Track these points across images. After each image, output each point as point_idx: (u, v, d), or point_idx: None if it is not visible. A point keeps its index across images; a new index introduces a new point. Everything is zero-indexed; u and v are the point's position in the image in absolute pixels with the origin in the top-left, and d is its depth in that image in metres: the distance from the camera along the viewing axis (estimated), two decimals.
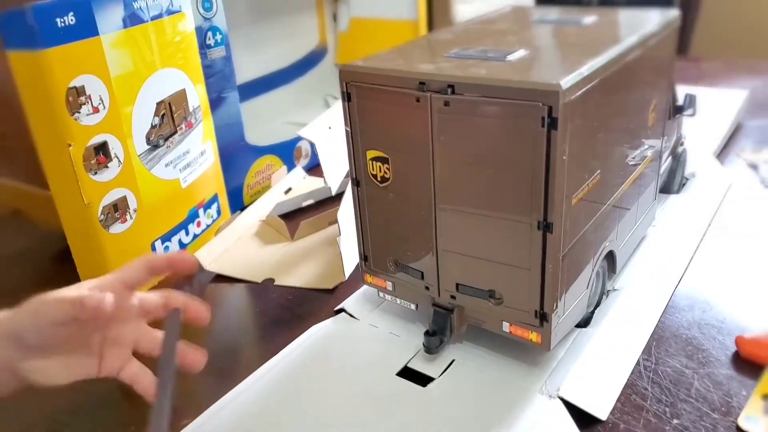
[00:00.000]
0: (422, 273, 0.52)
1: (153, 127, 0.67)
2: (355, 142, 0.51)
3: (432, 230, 0.49)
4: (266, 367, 0.55)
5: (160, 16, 0.67)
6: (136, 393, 0.45)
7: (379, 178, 0.51)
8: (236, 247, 0.77)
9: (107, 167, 0.63)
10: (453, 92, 0.44)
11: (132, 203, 0.66)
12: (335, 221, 0.77)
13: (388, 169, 0.50)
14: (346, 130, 0.51)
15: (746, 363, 0.51)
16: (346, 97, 0.50)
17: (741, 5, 2.00)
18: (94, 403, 0.54)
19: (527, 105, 0.41)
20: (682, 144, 0.77)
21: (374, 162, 0.50)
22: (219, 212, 0.81)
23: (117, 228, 0.65)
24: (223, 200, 0.81)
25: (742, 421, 0.46)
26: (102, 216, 0.63)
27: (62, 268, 0.70)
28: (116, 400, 0.55)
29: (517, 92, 0.41)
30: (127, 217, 0.66)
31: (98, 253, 0.64)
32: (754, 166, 0.85)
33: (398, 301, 0.56)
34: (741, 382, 0.50)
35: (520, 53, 0.48)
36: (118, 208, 0.65)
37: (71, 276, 0.70)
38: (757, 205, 0.76)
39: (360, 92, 0.49)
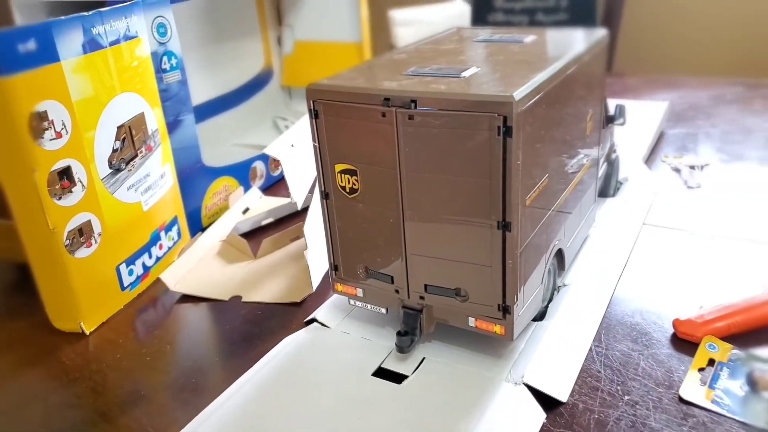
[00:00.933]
0: (392, 277, 0.56)
1: (114, 151, 0.68)
2: (324, 156, 0.54)
3: (400, 236, 0.53)
4: (241, 380, 0.56)
5: (117, 41, 0.68)
6: (118, 416, 0.45)
7: (347, 190, 0.54)
8: (199, 268, 0.78)
9: (71, 192, 0.63)
10: (416, 106, 0.48)
11: (96, 227, 0.66)
12: (297, 237, 0.80)
13: (357, 181, 0.53)
14: (314, 146, 0.54)
15: (683, 342, 0.57)
16: (314, 114, 0.53)
17: (656, 26, 2.16)
18: (75, 428, 0.54)
19: (484, 116, 0.46)
20: (615, 151, 0.84)
21: (343, 174, 0.54)
22: (179, 234, 0.82)
23: (82, 252, 0.65)
24: (183, 222, 0.82)
25: (683, 392, 0.51)
26: (67, 241, 0.63)
27: (13, 300, 0.70)
28: (97, 425, 0.55)
29: (474, 104, 0.46)
30: (92, 241, 0.66)
31: (63, 279, 0.64)
32: (677, 170, 0.94)
33: (369, 306, 0.59)
34: (679, 359, 0.55)
35: (473, 70, 0.52)
36: (83, 233, 0.65)
37: (27, 308, 0.70)
38: (681, 204, 0.83)
39: (327, 109, 0.52)
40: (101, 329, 0.68)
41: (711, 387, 0.51)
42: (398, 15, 1.29)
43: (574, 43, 0.61)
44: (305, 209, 0.72)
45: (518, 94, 0.45)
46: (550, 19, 1.87)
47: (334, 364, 0.57)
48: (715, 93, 1.28)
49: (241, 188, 0.93)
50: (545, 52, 0.58)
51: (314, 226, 0.67)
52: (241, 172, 0.94)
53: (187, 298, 0.73)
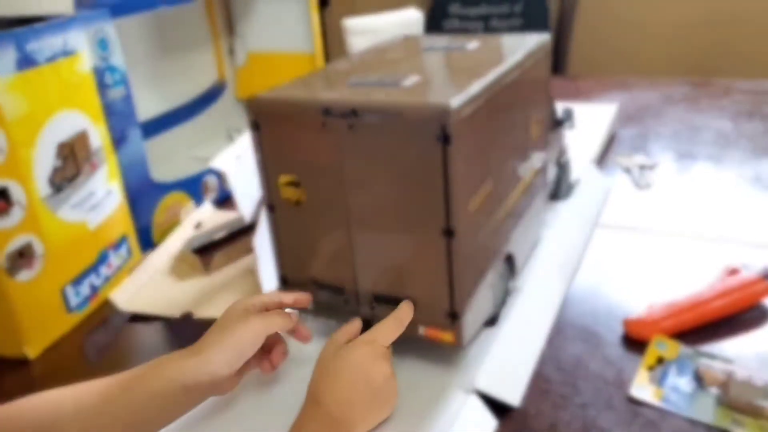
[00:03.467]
0: (342, 289, 0.55)
1: (56, 169, 0.66)
2: (267, 169, 0.53)
3: (348, 247, 0.52)
4: None
5: (54, 58, 0.66)
6: None
7: (293, 202, 0.53)
8: (151, 286, 0.76)
9: (9, 214, 0.61)
10: (356, 116, 0.47)
11: (38, 248, 0.64)
12: (250, 250, 0.78)
13: (302, 193, 0.52)
14: (257, 159, 0.53)
15: (633, 342, 0.58)
16: (255, 127, 0.52)
17: (608, 30, 2.20)
18: None
19: (423, 124, 0.45)
20: (565, 154, 0.85)
21: (287, 186, 0.53)
22: (130, 253, 0.80)
23: (24, 275, 0.63)
24: (133, 240, 0.80)
25: (633, 392, 0.52)
26: (7, 264, 0.61)
27: None
28: None
29: (413, 113, 0.46)
30: (34, 263, 0.64)
31: (4, 302, 0.62)
32: (627, 170, 0.95)
33: (319, 318, 0.59)
34: (629, 358, 0.56)
35: (414, 78, 0.52)
36: (24, 255, 0.63)
37: None
38: (632, 204, 0.85)
39: (268, 121, 0.51)
40: (47, 354, 0.66)
41: (660, 385, 0.52)
42: (351, 24, 1.29)
43: (515, 48, 0.61)
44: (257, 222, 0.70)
45: (456, 101, 0.45)
46: (505, 25, 1.90)
47: (287, 379, 0.56)
48: (664, 93, 1.31)
49: (193, 203, 0.92)
50: (487, 59, 0.58)
51: (264, 239, 0.66)
52: (193, 187, 0.93)
53: (138, 318, 0.71)
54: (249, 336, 0.50)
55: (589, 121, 1.07)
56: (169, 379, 0.48)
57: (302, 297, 0.55)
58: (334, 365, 0.49)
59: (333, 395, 0.48)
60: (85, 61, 0.71)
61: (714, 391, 0.51)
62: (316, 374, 0.50)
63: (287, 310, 0.55)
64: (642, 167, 0.96)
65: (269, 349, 0.54)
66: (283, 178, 0.53)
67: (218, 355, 0.49)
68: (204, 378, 0.48)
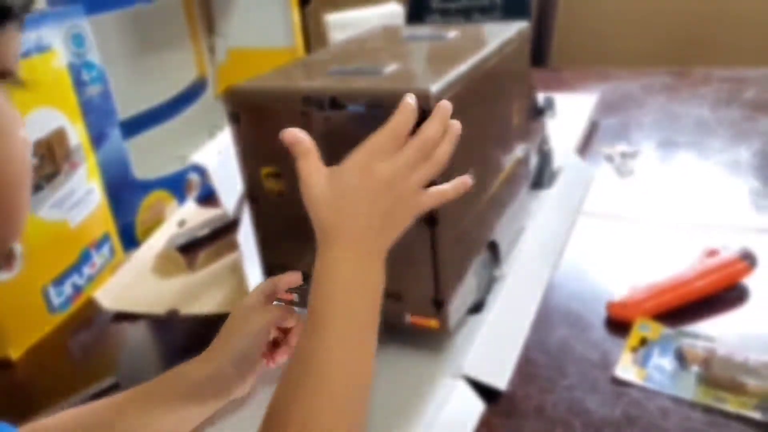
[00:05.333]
0: None
1: (33, 168, 0.65)
2: (248, 161, 0.53)
3: None
4: None
5: (28, 54, 0.65)
6: None
7: (275, 193, 0.53)
8: (135, 284, 0.75)
9: None
10: (336, 104, 0.47)
11: (17, 248, 0.64)
12: (235, 247, 0.78)
13: (284, 184, 0.52)
14: (237, 150, 0.53)
15: (617, 324, 0.58)
16: (234, 119, 0.52)
17: (590, 21, 2.22)
18: None
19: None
20: (547, 143, 0.86)
21: (269, 178, 0.53)
22: (112, 252, 0.79)
23: (2, 276, 0.62)
24: (115, 239, 0.80)
25: (617, 373, 0.52)
26: None
27: None
28: None
29: (393, 99, 0.45)
30: (14, 263, 0.63)
31: None
32: (609, 159, 0.96)
33: (305, 311, 0.58)
34: (614, 341, 0.56)
35: (393, 67, 0.52)
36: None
37: None
38: (614, 191, 0.85)
39: (247, 112, 0.51)
40: (30, 355, 0.65)
41: (644, 366, 0.53)
42: (333, 19, 1.28)
43: (494, 36, 0.61)
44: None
45: (436, 87, 0.45)
46: (486, 18, 1.90)
47: (275, 374, 0.56)
48: (645, 83, 1.32)
49: (176, 201, 0.91)
50: (465, 47, 0.59)
51: (248, 234, 0.66)
52: (176, 185, 0.92)
53: (123, 317, 0.71)
54: (251, 332, 0.50)
55: (570, 111, 1.07)
56: (179, 386, 0.48)
57: (292, 276, 0.54)
58: (332, 191, 0.43)
59: (351, 220, 0.42)
60: (60, 57, 0.70)
61: (696, 369, 0.51)
62: (317, 213, 0.43)
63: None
64: (624, 155, 0.96)
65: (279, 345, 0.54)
66: (265, 170, 0.53)
67: (223, 357, 0.49)
68: (210, 380, 0.48)
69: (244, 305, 0.52)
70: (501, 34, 0.63)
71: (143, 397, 0.48)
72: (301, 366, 0.40)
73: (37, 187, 0.66)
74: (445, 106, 0.44)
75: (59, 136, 0.69)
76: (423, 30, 0.69)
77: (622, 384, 0.51)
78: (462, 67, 0.51)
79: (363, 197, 0.42)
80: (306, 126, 0.49)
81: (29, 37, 0.65)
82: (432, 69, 0.51)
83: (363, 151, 0.43)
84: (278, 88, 0.50)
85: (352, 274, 0.42)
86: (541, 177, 0.84)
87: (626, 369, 0.52)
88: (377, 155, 0.42)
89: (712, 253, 0.62)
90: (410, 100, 0.43)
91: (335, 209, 0.42)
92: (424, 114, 0.45)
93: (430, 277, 0.50)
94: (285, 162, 0.52)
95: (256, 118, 0.51)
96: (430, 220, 0.48)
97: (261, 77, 0.53)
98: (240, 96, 0.51)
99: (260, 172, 0.53)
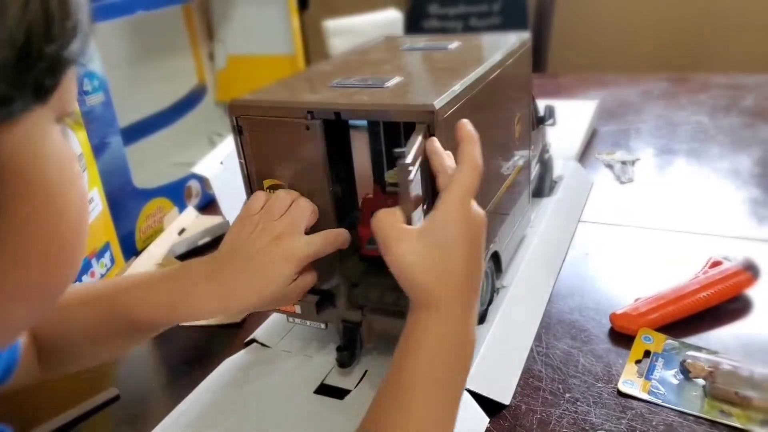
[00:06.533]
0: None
1: None
2: (251, 173, 0.53)
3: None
4: (182, 405, 0.55)
5: None
6: None
7: None
8: None
9: None
10: (340, 119, 0.47)
11: None
12: None
13: None
14: (240, 163, 0.53)
15: (620, 335, 0.58)
16: (238, 131, 0.52)
17: (587, 27, 2.23)
18: None
19: (408, 125, 0.45)
20: (547, 151, 0.86)
21: (272, 190, 0.52)
22: (113, 260, 0.79)
23: None
24: (116, 248, 0.79)
25: (621, 386, 0.52)
26: None
27: None
28: None
29: (398, 114, 0.46)
30: None
31: None
32: (609, 166, 0.96)
33: (308, 323, 0.58)
34: (617, 352, 0.56)
35: (397, 79, 0.52)
36: None
37: None
38: (615, 199, 0.86)
39: (251, 125, 0.51)
40: None
41: (648, 378, 0.53)
42: (332, 25, 1.28)
43: (496, 47, 0.61)
44: None
45: (440, 101, 0.45)
46: (484, 24, 1.91)
47: (276, 384, 0.56)
48: (643, 89, 1.33)
49: (176, 209, 0.91)
50: (468, 59, 0.59)
51: None
52: (176, 193, 0.92)
53: None
54: (278, 278, 0.46)
55: (570, 118, 1.08)
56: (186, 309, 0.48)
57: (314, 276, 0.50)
58: (429, 250, 0.40)
59: (448, 282, 0.40)
60: None
61: (700, 382, 0.51)
62: (411, 280, 0.40)
63: None
64: (623, 163, 0.97)
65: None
66: (268, 182, 0.53)
67: (242, 294, 0.46)
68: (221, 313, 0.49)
69: (268, 237, 0.47)
70: (503, 45, 0.63)
71: (148, 277, 0.50)
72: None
73: None
74: (466, 124, 0.44)
75: None
76: (425, 41, 0.69)
77: (626, 397, 0.51)
78: (465, 80, 0.51)
79: (462, 249, 0.40)
80: (309, 139, 0.49)
81: None
82: (435, 82, 0.51)
83: (456, 197, 0.41)
84: (283, 101, 0.50)
85: (452, 336, 0.41)
86: (542, 186, 0.84)
87: (630, 382, 0.52)
88: (469, 198, 0.41)
89: (715, 263, 0.63)
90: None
91: (436, 274, 0.40)
92: (429, 129, 0.45)
93: None
94: (289, 174, 0.52)
95: (260, 131, 0.51)
96: None
97: (264, 90, 0.53)
98: (243, 108, 0.51)
99: (263, 184, 0.53)
